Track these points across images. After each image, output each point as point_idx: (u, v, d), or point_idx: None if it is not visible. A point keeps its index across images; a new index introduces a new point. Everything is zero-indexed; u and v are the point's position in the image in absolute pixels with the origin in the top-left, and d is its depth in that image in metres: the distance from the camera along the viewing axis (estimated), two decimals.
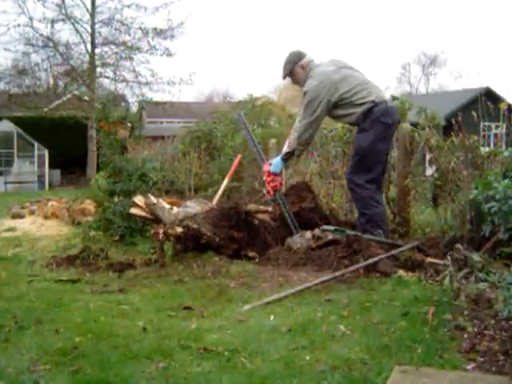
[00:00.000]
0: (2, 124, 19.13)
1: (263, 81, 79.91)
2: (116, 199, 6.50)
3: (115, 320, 3.26)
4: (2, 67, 20.60)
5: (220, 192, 5.81)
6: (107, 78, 20.14)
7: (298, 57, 4.95)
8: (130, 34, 19.17)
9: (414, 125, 5.55)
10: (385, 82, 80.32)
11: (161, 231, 4.66)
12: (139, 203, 5.12)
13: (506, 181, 3.02)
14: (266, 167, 5.04)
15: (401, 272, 3.85)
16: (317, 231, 4.63)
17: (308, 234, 4.68)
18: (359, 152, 4.73)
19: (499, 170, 4.33)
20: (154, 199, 5.01)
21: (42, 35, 19.02)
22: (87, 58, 19.32)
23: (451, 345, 2.61)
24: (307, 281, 3.82)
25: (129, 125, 16.19)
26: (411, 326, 2.84)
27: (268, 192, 5.14)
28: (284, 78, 5.10)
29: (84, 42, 19.23)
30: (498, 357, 2.45)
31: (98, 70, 19.66)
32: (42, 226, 7.81)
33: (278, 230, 4.94)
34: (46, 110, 20.46)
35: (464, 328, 2.75)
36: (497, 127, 6.53)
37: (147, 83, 19.56)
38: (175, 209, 5.07)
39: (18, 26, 18.45)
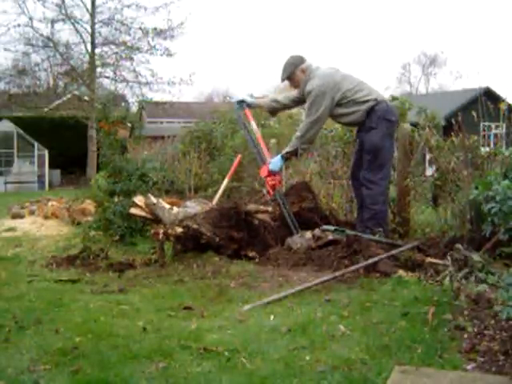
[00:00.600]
0: (2, 124, 19.14)
1: (263, 81, 79.94)
2: (116, 199, 6.49)
3: (115, 320, 3.26)
4: (2, 67, 20.64)
5: (220, 192, 5.82)
6: (107, 78, 20.17)
7: (299, 60, 5.02)
8: (130, 34, 19.19)
9: (414, 125, 5.55)
10: (385, 82, 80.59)
11: (161, 231, 4.67)
12: (139, 203, 5.12)
13: (506, 181, 3.01)
14: (263, 172, 5.06)
15: (401, 272, 3.85)
16: (317, 231, 4.64)
17: (308, 234, 4.68)
18: (372, 150, 4.79)
19: (499, 170, 4.33)
20: (153, 199, 5.02)
21: (42, 35, 19.04)
22: (87, 58, 19.33)
23: (451, 345, 2.61)
24: (307, 281, 3.82)
25: (129, 125, 16.14)
26: (411, 326, 2.84)
27: (268, 192, 5.15)
28: (283, 80, 5.13)
29: (84, 42, 19.26)
30: (498, 357, 2.45)
31: (98, 70, 19.68)
32: (42, 226, 7.81)
33: (278, 229, 4.94)
34: (46, 110, 20.45)
35: (464, 328, 2.75)
36: (497, 127, 6.51)
37: (147, 83, 19.56)
38: (175, 209, 5.07)
39: (18, 26, 18.47)
